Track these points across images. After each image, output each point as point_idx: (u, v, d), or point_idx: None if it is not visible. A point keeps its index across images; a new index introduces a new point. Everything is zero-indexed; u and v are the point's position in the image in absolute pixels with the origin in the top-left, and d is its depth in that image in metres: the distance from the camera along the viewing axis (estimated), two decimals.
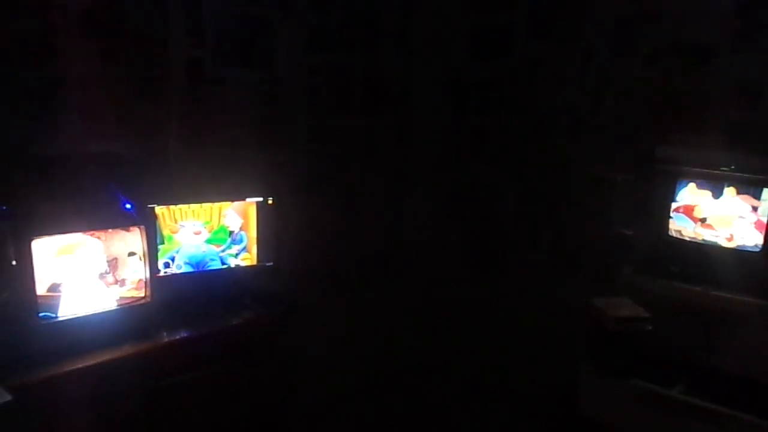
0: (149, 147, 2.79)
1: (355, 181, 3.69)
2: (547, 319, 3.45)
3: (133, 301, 2.42)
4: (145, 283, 2.44)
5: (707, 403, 2.51)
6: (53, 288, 2.22)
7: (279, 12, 3.15)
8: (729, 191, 2.65)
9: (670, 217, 2.81)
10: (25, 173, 2.45)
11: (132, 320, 2.41)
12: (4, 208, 2.27)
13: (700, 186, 2.73)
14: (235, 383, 2.66)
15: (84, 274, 2.30)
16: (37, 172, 2.48)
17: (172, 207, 2.66)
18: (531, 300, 3.60)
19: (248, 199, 2.81)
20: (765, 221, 2.58)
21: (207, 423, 2.61)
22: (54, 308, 2.23)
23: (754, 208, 2.61)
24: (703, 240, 2.75)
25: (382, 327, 3.88)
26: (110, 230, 2.35)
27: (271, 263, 2.90)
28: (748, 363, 2.60)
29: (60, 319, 2.24)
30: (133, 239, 2.40)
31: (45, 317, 2.20)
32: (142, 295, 2.44)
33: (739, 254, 2.65)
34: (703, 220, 2.74)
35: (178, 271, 2.72)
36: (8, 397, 1.90)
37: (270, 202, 2.84)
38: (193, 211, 2.70)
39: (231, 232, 2.80)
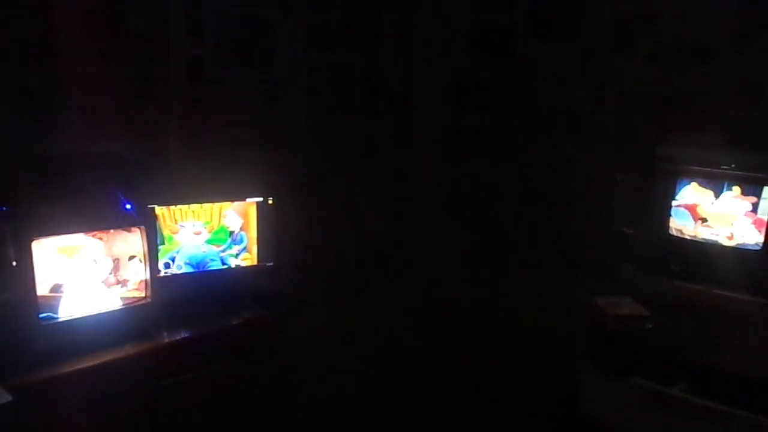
0: (149, 147, 2.79)
1: (355, 181, 3.69)
2: (548, 319, 3.45)
3: (133, 302, 2.42)
4: (146, 283, 2.44)
5: (708, 402, 2.52)
6: (55, 288, 2.22)
7: (279, 12, 3.15)
8: (733, 191, 2.65)
9: (671, 216, 2.82)
10: (25, 173, 2.45)
11: (132, 320, 2.41)
12: (4, 208, 2.27)
13: (702, 185, 2.74)
14: (235, 383, 2.66)
15: (85, 275, 2.30)
16: (37, 172, 2.48)
17: (172, 207, 2.66)
18: (531, 300, 3.60)
19: (248, 199, 2.81)
20: (765, 220, 2.58)
21: (207, 423, 2.60)
22: (54, 309, 2.22)
23: (755, 207, 2.61)
24: (704, 239, 2.75)
25: (382, 327, 3.89)
26: (112, 231, 2.34)
27: (271, 263, 2.90)
28: (748, 362, 2.60)
29: (60, 319, 2.23)
30: (135, 240, 2.40)
31: (45, 318, 2.20)
32: (143, 295, 2.44)
33: (740, 253, 2.65)
34: (704, 219, 2.74)
35: (179, 272, 2.71)
36: (9, 398, 1.90)
37: (270, 202, 2.84)
38: (193, 211, 2.70)
39: (231, 233, 2.80)
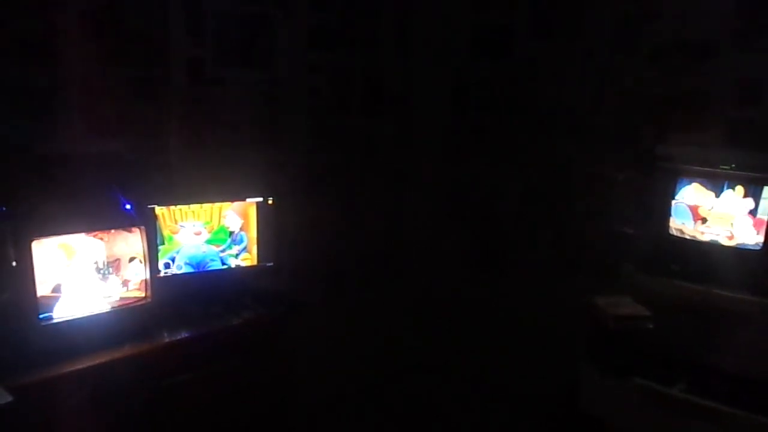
0: (149, 147, 2.79)
1: (355, 181, 3.69)
2: (548, 319, 3.45)
3: (133, 302, 2.42)
4: (146, 283, 2.44)
5: (708, 402, 2.51)
6: (56, 289, 2.22)
7: (279, 12, 3.15)
8: (736, 191, 2.64)
9: (671, 215, 2.82)
10: (25, 173, 2.45)
11: (132, 320, 2.41)
12: (4, 208, 2.27)
13: (702, 185, 2.73)
14: (235, 383, 2.66)
15: (86, 275, 2.30)
16: (37, 172, 2.48)
17: (172, 207, 2.66)
18: (531, 300, 3.60)
19: (248, 200, 2.81)
20: (765, 220, 2.58)
21: (207, 423, 2.60)
22: (54, 309, 2.22)
23: (755, 207, 2.61)
24: (704, 238, 2.75)
25: (382, 327, 3.88)
26: (112, 231, 2.34)
27: (271, 263, 2.90)
28: (748, 362, 2.60)
29: (60, 319, 2.23)
30: (135, 240, 2.40)
31: (45, 318, 2.20)
32: (143, 295, 2.44)
33: (740, 253, 2.65)
34: (704, 219, 2.74)
35: (179, 272, 2.71)
36: (9, 398, 1.90)
37: (270, 202, 2.84)
38: (193, 211, 2.70)
39: (231, 233, 2.80)
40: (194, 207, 2.70)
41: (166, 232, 2.66)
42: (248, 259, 2.85)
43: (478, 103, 3.79)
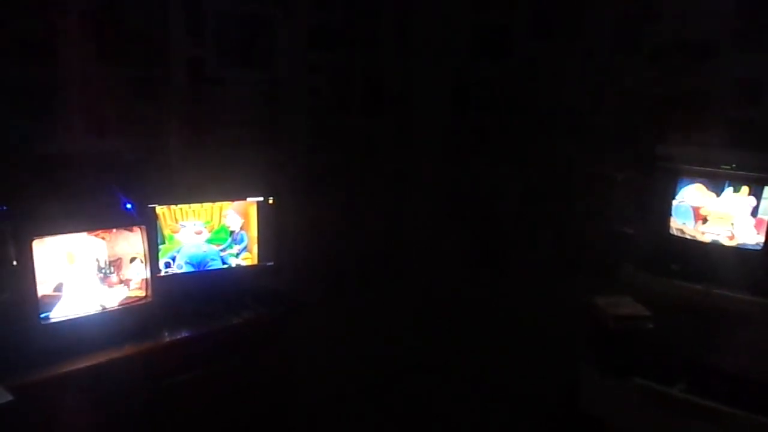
0: (150, 147, 2.79)
1: (355, 180, 3.69)
2: (548, 319, 3.45)
3: (134, 301, 2.42)
4: (146, 282, 2.44)
5: (708, 402, 2.51)
6: (57, 288, 2.22)
7: (279, 11, 3.15)
8: (740, 191, 2.64)
9: (671, 215, 2.82)
10: (26, 173, 2.45)
11: (133, 320, 2.41)
12: (4, 208, 2.27)
13: (704, 185, 2.73)
14: (235, 383, 2.66)
15: (87, 274, 2.30)
16: (38, 171, 2.48)
17: (172, 207, 2.66)
18: (531, 300, 3.60)
19: (249, 199, 2.81)
20: (766, 220, 2.58)
21: (207, 423, 2.60)
22: (55, 308, 2.22)
23: (755, 207, 2.61)
24: (705, 238, 2.75)
25: (382, 327, 3.88)
26: (114, 231, 2.35)
27: (271, 263, 2.90)
28: (748, 362, 2.60)
29: (61, 319, 2.23)
30: (136, 240, 2.40)
31: (46, 317, 2.20)
32: (144, 294, 2.44)
33: (740, 252, 2.65)
34: (705, 219, 2.74)
35: (179, 271, 2.71)
36: (9, 397, 1.90)
37: (271, 201, 2.84)
38: (193, 210, 2.70)
39: (232, 232, 2.80)
40: (195, 206, 2.70)
41: (166, 232, 2.66)
42: (249, 258, 2.85)
43: (478, 103, 3.79)
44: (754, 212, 2.61)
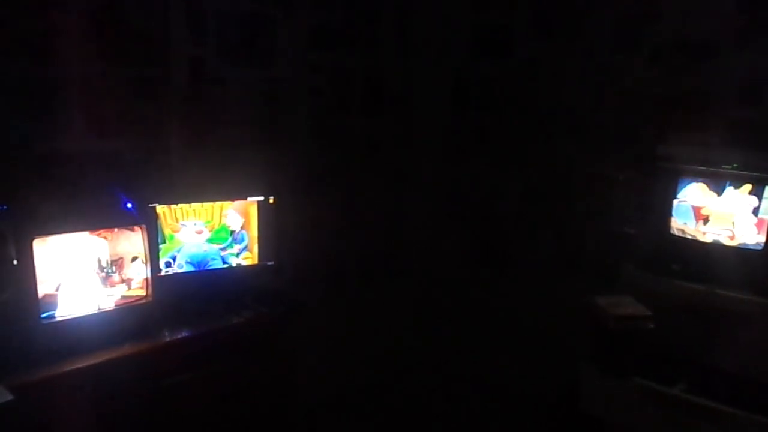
0: (150, 146, 2.79)
1: (355, 180, 3.69)
2: (548, 319, 3.45)
3: (134, 301, 2.42)
4: (147, 282, 2.44)
5: (709, 402, 2.50)
6: (58, 288, 2.22)
7: (280, 11, 3.15)
8: (742, 189, 2.64)
9: (672, 215, 2.81)
10: (26, 173, 2.45)
11: (133, 319, 2.41)
12: (5, 207, 2.26)
13: (706, 184, 2.73)
14: (235, 383, 2.65)
15: (88, 274, 2.30)
16: (38, 171, 2.48)
17: (173, 206, 2.66)
18: (531, 300, 3.60)
19: (249, 199, 2.81)
20: (766, 220, 2.58)
21: (207, 423, 2.60)
22: (56, 308, 2.22)
23: (756, 207, 2.61)
24: (705, 238, 2.75)
25: (382, 327, 3.88)
26: (116, 230, 2.35)
27: (272, 262, 2.90)
28: (749, 362, 2.60)
29: (61, 318, 2.23)
30: (138, 239, 2.40)
31: (46, 317, 2.20)
32: (144, 294, 2.44)
33: (741, 253, 2.65)
34: (706, 219, 2.74)
35: (180, 271, 2.71)
36: (9, 397, 1.90)
37: (271, 201, 2.84)
38: (194, 210, 2.70)
39: (232, 232, 2.80)
40: (195, 206, 2.70)
41: (167, 231, 2.66)
42: (249, 258, 2.85)
43: (478, 103, 3.79)
44: (755, 212, 2.61)
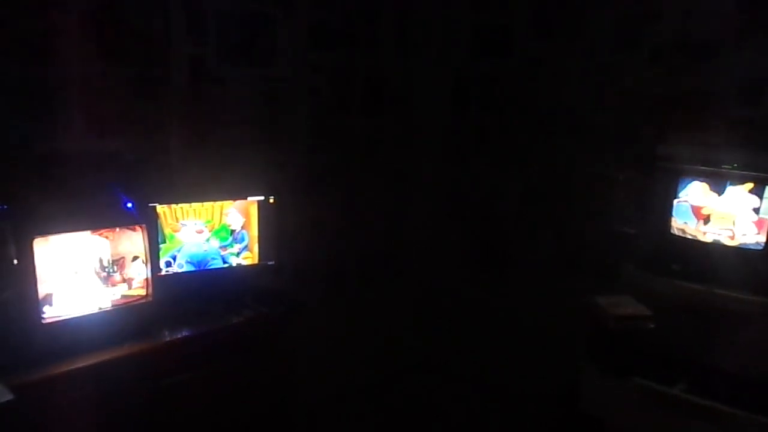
0: (150, 146, 2.78)
1: (355, 180, 3.69)
2: (548, 319, 3.45)
3: (134, 300, 2.42)
4: (147, 281, 2.44)
5: (708, 402, 2.51)
6: (58, 287, 2.22)
7: (279, 11, 3.15)
8: (743, 188, 2.64)
9: (672, 215, 2.81)
10: (26, 173, 2.45)
11: (133, 319, 2.41)
12: (5, 207, 2.26)
13: (707, 184, 2.73)
14: (235, 383, 2.65)
15: (88, 273, 2.30)
16: (38, 171, 2.47)
17: (173, 206, 2.66)
18: (531, 300, 3.60)
19: (250, 198, 2.81)
20: (767, 219, 2.58)
21: (207, 423, 2.60)
22: (56, 307, 2.22)
23: (757, 207, 2.61)
24: (706, 238, 2.75)
25: (382, 327, 3.89)
26: (117, 230, 2.35)
27: (272, 262, 2.90)
28: (749, 362, 2.60)
29: (62, 318, 2.23)
30: (139, 239, 2.41)
31: (47, 316, 2.19)
32: (144, 293, 2.44)
33: (741, 252, 2.65)
34: (706, 219, 2.74)
35: (180, 270, 2.71)
36: (9, 396, 1.90)
37: (272, 200, 2.84)
38: (194, 210, 2.70)
39: (232, 231, 2.80)
40: (195, 205, 2.70)
41: (167, 231, 2.66)
42: (249, 257, 2.85)
43: (478, 103, 3.79)
44: (756, 212, 2.61)
